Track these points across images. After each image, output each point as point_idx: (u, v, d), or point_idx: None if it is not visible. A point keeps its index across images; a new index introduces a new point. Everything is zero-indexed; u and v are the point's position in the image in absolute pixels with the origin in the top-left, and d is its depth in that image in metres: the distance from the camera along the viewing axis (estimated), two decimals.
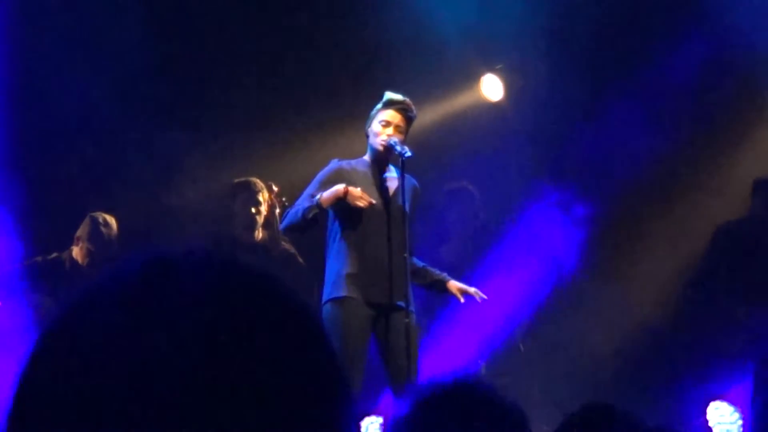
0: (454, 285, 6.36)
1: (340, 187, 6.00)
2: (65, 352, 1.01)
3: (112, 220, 7.76)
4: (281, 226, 6.36)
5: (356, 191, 5.99)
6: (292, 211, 6.14)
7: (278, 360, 1.01)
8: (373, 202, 6.02)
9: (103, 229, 7.68)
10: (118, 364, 0.98)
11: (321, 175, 6.22)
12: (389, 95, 6.23)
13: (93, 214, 7.75)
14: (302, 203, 6.11)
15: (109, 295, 1.04)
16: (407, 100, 6.23)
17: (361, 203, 5.97)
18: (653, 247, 9.12)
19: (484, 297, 6.36)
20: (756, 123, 9.18)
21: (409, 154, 6.08)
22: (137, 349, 0.98)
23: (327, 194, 6.02)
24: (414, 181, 6.38)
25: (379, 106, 6.22)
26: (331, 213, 6.18)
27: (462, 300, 6.37)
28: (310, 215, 6.02)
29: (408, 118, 6.21)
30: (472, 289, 6.35)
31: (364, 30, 8.96)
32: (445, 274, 6.39)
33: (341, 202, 6.02)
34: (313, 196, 6.09)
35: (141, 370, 0.97)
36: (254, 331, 1.01)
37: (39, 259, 7.65)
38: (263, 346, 1.01)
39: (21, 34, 8.16)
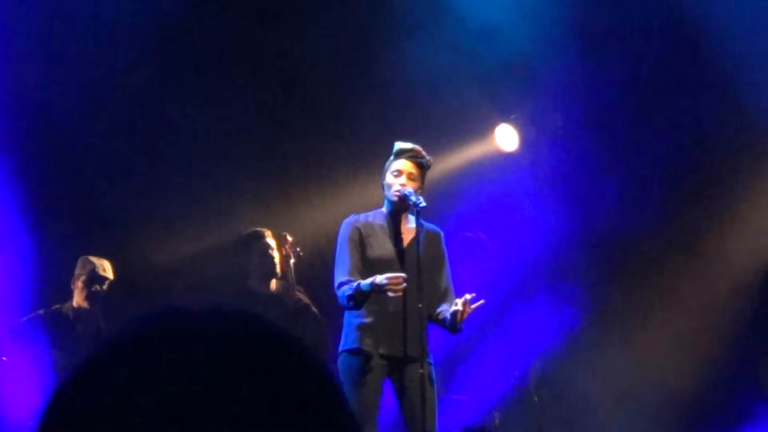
0: (456, 312, 6.07)
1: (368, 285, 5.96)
2: (80, 406, 1.01)
3: (105, 261, 7.75)
4: (342, 303, 6.27)
5: (381, 282, 5.92)
6: (341, 294, 6.08)
7: (292, 414, 1.01)
8: (398, 291, 5.93)
9: (98, 269, 7.67)
10: (133, 418, 0.98)
11: (345, 236, 6.20)
12: (399, 145, 6.24)
13: (85, 256, 7.74)
14: (342, 275, 6.08)
15: (126, 349, 1.04)
16: (416, 147, 6.22)
17: (389, 290, 5.92)
18: (670, 297, 9.09)
19: (474, 296, 6.10)
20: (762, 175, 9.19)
21: (423, 204, 6.08)
22: (153, 404, 0.98)
23: (365, 291, 5.98)
24: (436, 228, 6.37)
25: (392, 157, 6.24)
26: None
27: (466, 308, 6.02)
28: (356, 302, 6.03)
29: (420, 165, 6.20)
30: (460, 301, 6.06)
31: (380, 81, 9.00)
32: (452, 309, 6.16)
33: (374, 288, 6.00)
34: (350, 261, 6.09)
35: (156, 426, 0.97)
36: (268, 387, 1.01)
37: (41, 312, 7.65)
38: (277, 400, 1.01)
39: (34, 78, 8.22)
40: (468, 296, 6.08)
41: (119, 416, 0.98)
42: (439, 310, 6.20)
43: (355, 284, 6.00)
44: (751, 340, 7.99)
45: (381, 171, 6.30)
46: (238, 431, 0.98)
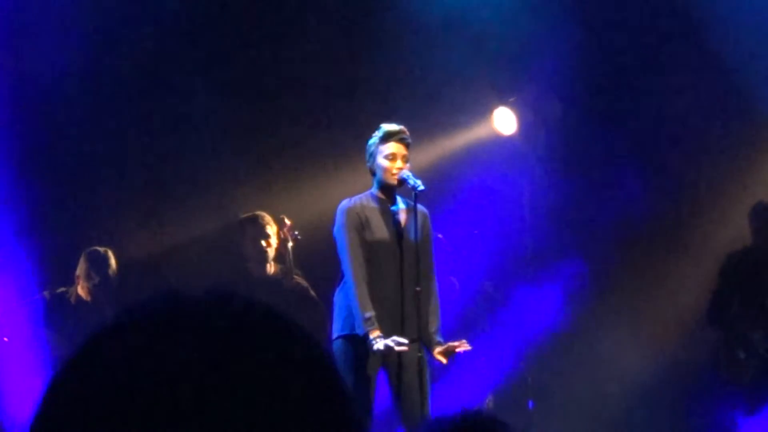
0: (438, 350, 6.18)
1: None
2: (79, 390, 1.01)
3: (108, 253, 7.73)
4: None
5: (390, 346, 5.94)
6: (350, 300, 6.06)
7: (290, 398, 1.01)
8: (405, 345, 5.96)
9: (100, 264, 7.65)
10: (133, 401, 0.98)
11: (345, 224, 6.18)
12: (387, 127, 6.25)
13: (88, 250, 7.74)
14: (351, 275, 6.07)
15: (124, 332, 1.04)
16: (403, 127, 6.26)
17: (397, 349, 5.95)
18: (666, 280, 9.10)
19: (469, 348, 6.23)
20: (759, 153, 9.19)
21: (422, 187, 6.10)
22: (151, 387, 0.98)
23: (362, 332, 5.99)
24: (424, 208, 6.39)
25: (376, 140, 6.22)
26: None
27: (445, 362, 6.21)
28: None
29: (408, 145, 6.25)
30: (456, 344, 6.20)
31: (377, 63, 8.99)
32: (436, 337, 6.23)
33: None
34: (357, 257, 6.08)
35: (155, 409, 0.97)
36: (267, 371, 1.01)
37: (46, 293, 7.64)
38: (276, 385, 1.01)
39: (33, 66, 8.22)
40: (456, 345, 6.13)
41: (118, 400, 0.98)
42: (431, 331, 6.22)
43: (362, 314, 5.96)
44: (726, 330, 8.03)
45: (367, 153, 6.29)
46: (237, 417, 0.98)
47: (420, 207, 6.35)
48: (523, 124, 9.31)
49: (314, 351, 1.07)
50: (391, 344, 5.89)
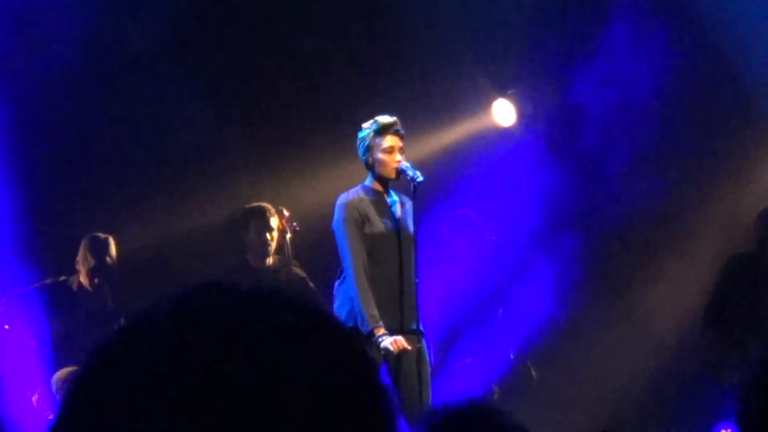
0: None
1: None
2: (105, 386, 0.99)
3: (109, 240, 7.72)
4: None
5: (394, 346, 5.99)
6: (354, 299, 6.09)
7: (325, 390, 0.99)
8: (408, 348, 6.02)
9: (98, 249, 7.64)
10: (159, 399, 0.96)
11: (345, 219, 6.19)
12: (382, 120, 6.24)
13: (88, 235, 7.73)
14: (353, 273, 6.09)
15: (151, 325, 1.02)
16: (396, 119, 6.27)
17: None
18: (666, 274, 9.11)
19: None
20: (759, 153, 9.19)
21: (420, 178, 6.11)
22: (181, 382, 0.96)
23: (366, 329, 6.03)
24: (411, 201, 6.40)
25: (370, 132, 6.21)
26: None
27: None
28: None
29: (402, 136, 6.26)
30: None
31: (375, 56, 8.99)
32: None
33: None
34: (359, 254, 6.10)
35: (185, 405, 0.96)
36: (303, 363, 0.99)
37: (48, 281, 7.64)
38: (310, 376, 0.99)
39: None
40: None
41: (144, 400, 0.96)
42: None
43: (366, 312, 5.99)
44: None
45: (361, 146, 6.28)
46: (270, 410, 0.96)
47: (410, 200, 6.35)
48: (523, 115, 9.30)
49: (358, 347, 1.05)
50: (403, 343, 5.92)
